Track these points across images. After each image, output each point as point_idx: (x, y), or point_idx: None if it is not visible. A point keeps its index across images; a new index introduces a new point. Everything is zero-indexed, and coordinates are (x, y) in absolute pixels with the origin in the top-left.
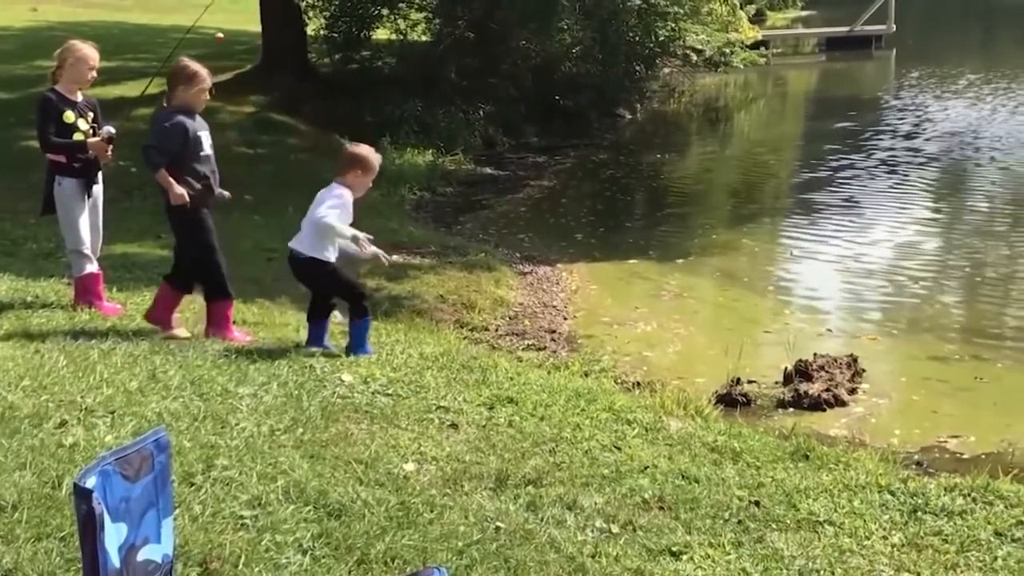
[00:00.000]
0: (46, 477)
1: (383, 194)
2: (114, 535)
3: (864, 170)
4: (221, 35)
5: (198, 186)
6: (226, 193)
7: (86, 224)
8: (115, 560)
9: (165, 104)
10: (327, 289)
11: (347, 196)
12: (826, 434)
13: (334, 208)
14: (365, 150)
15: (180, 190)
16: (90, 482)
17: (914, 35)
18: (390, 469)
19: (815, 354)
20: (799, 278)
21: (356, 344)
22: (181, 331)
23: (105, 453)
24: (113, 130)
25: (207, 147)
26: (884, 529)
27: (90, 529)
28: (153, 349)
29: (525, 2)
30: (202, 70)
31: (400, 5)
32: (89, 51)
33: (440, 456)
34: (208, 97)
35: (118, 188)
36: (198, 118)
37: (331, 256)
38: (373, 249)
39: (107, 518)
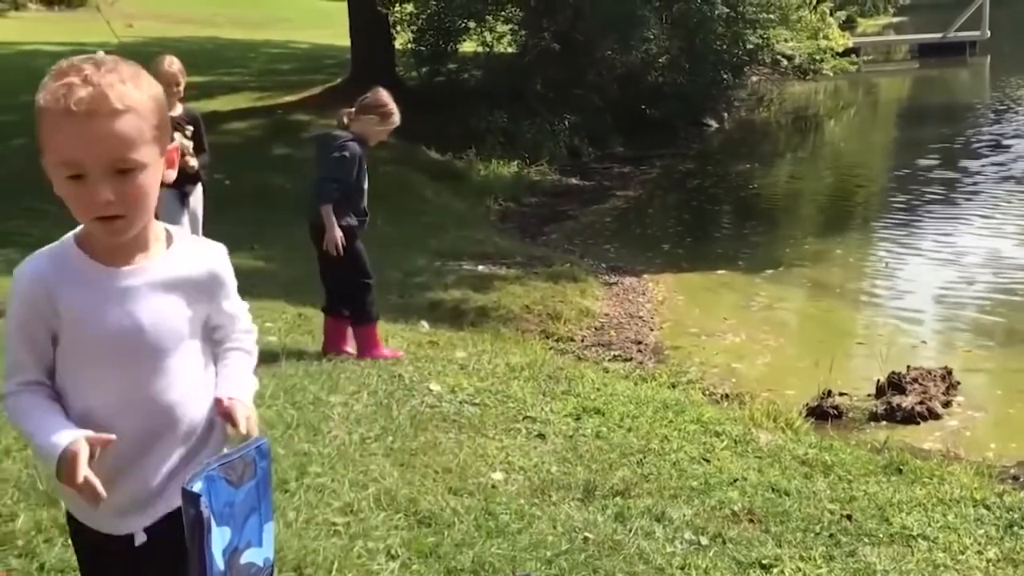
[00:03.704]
0: None
1: (470, 205)
2: (219, 538)
3: (960, 180)
4: None
5: (354, 222)
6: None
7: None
8: (220, 563)
9: (342, 129)
10: None
11: None
12: (920, 447)
13: None
14: None
15: (336, 236)
16: (197, 486)
17: (1009, 41)
18: (478, 478)
19: (908, 366)
20: (892, 289)
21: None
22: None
23: (210, 459)
24: (185, 141)
25: (366, 180)
26: (979, 544)
27: (198, 532)
28: None
29: (609, 13)
30: (396, 114)
31: (486, 18)
32: (164, 68)
33: (528, 466)
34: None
35: (212, 201)
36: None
37: None
38: None
39: (213, 521)
